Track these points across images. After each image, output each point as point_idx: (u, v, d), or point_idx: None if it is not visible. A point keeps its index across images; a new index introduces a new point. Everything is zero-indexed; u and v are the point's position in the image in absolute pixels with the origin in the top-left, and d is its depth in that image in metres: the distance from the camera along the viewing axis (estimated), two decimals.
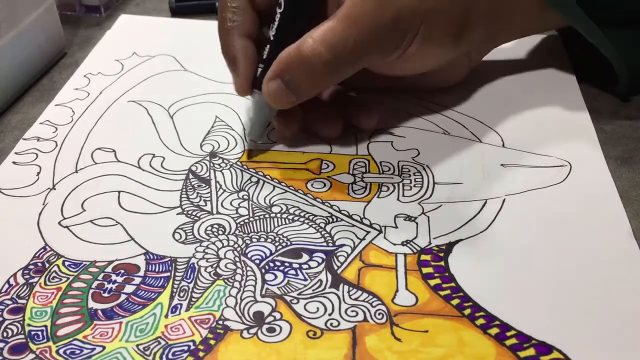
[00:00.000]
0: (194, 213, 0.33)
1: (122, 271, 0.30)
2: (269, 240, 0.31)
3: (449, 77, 0.40)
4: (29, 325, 0.28)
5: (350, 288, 0.29)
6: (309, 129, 0.37)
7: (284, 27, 0.33)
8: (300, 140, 0.38)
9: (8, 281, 0.29)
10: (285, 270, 0.30)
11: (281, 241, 0.31)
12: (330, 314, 0.28)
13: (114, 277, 0.30)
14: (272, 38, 0.34)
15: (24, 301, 0.29)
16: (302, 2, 0.33)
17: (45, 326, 0.27)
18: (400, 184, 0.34)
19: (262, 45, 0.35)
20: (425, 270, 0.30)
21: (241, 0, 0.34)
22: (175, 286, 0.29)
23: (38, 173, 0.36)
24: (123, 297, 0.29)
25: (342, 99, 0.39)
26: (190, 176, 0.35)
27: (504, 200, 0.33)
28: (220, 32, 0.35)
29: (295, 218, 0.33)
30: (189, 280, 0.29)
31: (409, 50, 0.33)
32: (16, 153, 0.37)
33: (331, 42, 0.31)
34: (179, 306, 0.28)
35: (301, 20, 0.33)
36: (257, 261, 0.30)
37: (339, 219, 0.32)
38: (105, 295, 0.29)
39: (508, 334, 0.27)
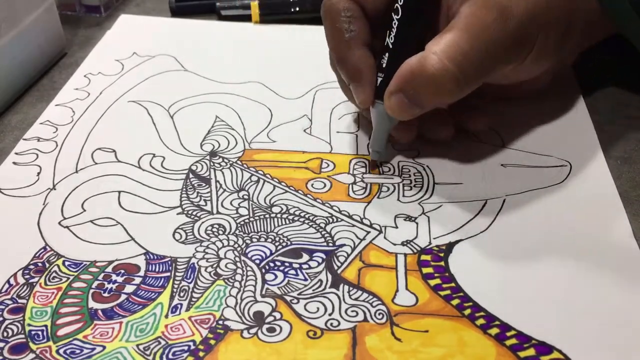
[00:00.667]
0: (194, 213, 0.33)
1: (123, 271, 0.30)
2: (269, 240, 0.31)
3: (540, 84, 0.38)
4: (29, 325, 0.28)
5: (351, 288, 0.29)
6: (423, 134, 0.36)
7: (402, 34, 0.32)
8: (301, 140, 0.38)
9: (8, 281, 0.29)
10: (286, 270, 0.30)
11: (281, 241, 0.31)
12: (330, 314, 0.28)
13: (114, 277, 0.30)
14: (390, 46, 0.32)
15: (24, 301, 0.29)
16: (420, 7, 0.32)
17: (46, 326, 0.27)
18: (401, 184, 0.34)
19: (377, 54, 0.33)
20: (425, 270, 0.30)
21: (355, 8, 0.33)
22: (176, 286, 0.29)
23: (38, 173, 0.36)
24: (123, 297, 0.29)
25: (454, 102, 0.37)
26: (191, 176, 0.35)
27: (504, 200, 0.33)
28: (336, 43, 0.34)
29: (296, 218, 0.33)
30: (189, 280, 0.29)
31: (529, 57, 0.32)
32: (16, 153, 0.37)
33: (456, 57, 0.30)
34: (179, 306, 0.28)
35: (419, 26, 0.33)
36: (257, 261, 0.30)
37: (339, 219, 0.32)
38: (106, 295, 0.29)
39: (508, 334, 0.27)
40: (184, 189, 0.35)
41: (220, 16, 0.52)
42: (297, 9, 0.50)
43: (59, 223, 0.32)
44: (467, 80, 0.31)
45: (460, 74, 0.30)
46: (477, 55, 0.30)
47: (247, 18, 0.51)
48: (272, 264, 0.30)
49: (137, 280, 0.29)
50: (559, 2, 0.33)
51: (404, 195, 0.34)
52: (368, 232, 0.32)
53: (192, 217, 0.33)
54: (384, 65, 0.33)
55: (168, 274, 0.30)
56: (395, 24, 0.32)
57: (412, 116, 0.32)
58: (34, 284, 0.29)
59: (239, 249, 0.31)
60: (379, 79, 0.33)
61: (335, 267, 0.30)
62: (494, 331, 0.27)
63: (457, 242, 0.31)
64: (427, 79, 0.30)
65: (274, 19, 0.51)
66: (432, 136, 0.36)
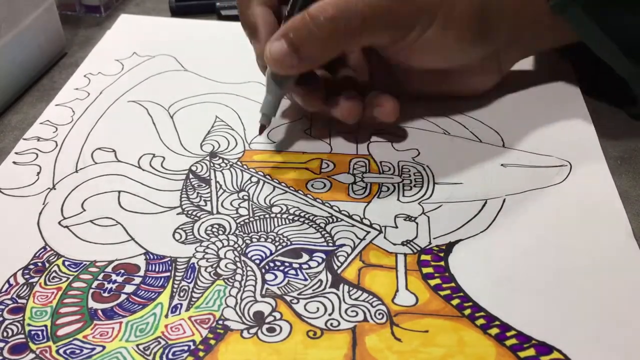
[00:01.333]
0: (194, 213, 0.33)
1: (122, 271, 0.30)
2: (269, 240, 0.31)
3: (478, 83, 0.39)
4: (29, 325, 0.28)
5: (351, 288, 0.29)
6: (328, 109, 0.36)
7: (299, 2, 0.33)
8: (301, 140, 0.38)
9: (8, 281, 0.29)
10: (286, 270, 0.30)
11: (281, 241, 0.31)
12: (330, 314, 0.28)
13: (114, 277, 0.30)
14: (286, 13, 0.33)
15: (24, 301, 0.29)
16: None
17: (45, 326, 0.27)
18: (401, 184, 0.34)
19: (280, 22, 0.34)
20: (425, 270, 0.30)
21: None
22: (176, 286, 0.29)
23: (38, 173, 0.36)
24: (123, 297, 0.29)
25: (366, 89, 0.37)
26: (191, 176, 0.35)
27: (504, 200, 0.33)
28: (239, 1, 0.35)
29: (296, 218, 0.33)
30: (189, 280, 0.29)
31: (426, 35, 0.32)
32: (16, 153, 0.37)
33: (339, 3, 0.31)
34: (179, 306, 0.28)
35: None
36: (257, 261, 0.30)
37: (339, 219, 0.32)
38: (105, 295, 0.29)
39: (508, 334, 0.27)
40: (184, 189, 0.35)
41: (220, 16, 0.52)
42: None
43: (59, 223, 0.32)
44: (346, 28, 0.31)
45: (340, 20, 0.31)
46: (358, 5, 0.31)
47: None
48: (272, 264, 0.30)
49: (137, 280, 0.29)
50: None
51: (404, 195, 0.34)
52: (368, 232, 0.32)
53: (192, 217, 0.33)
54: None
55: (168, 274, 0.30)
56: None
57: (290, 68, 0.32)
58: (34, 284, 0.29)
59: (239, 249, 0.31)
60: None
61: (335, 267, 0.30)
62: (494, 331, 0.27)
63: (457, 242, 0.31)
64: (305, 21, 0.31)
65: None
66: (336, 113, 0.36)
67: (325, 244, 0.31)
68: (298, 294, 0.29)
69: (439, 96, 0.39)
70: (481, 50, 0.35)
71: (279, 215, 0.33)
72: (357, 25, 0.31)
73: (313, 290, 0.29)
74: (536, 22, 0.36)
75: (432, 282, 0.29)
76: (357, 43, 0.33)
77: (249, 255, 0.30)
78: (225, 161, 0.36)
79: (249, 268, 0.30)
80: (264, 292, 0.29)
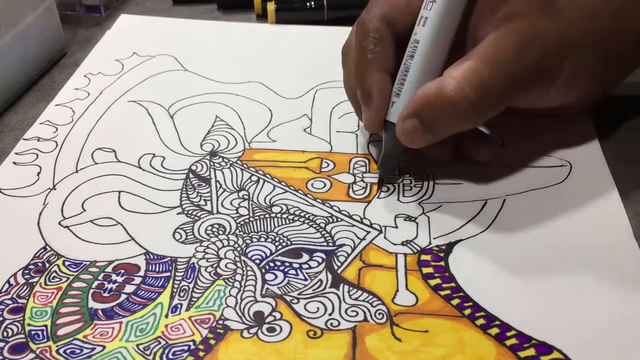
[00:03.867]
0: (194, 213, 0.33)
1: (123, 271, 0.30)
2: (269, 240, 0.31)
3: (582, 106, 0.37)
4: (29, 324, 0.28)
5: (351, 288, 0.29)
6: (423, 151, 0.34)
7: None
8: (301, 139, 0.38)
9: (8, 281, 0.29)
10: (286, 270, 0.30)
11: (281, 241, 0.31)
12: (330, 314, 0.28)
13: (114, 277, 0.30)
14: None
15: (24, 301, 0.29)
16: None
17: (46, 326, 0.27)
18: (401, 184, 0.34)
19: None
20: (425, 270, 0.30)
21: (384, 30, 0.32)
22: (176, 286, 0.29)
23: (38, 173, 0.36)
24: (123, 297, 0.29)
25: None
26: (191, 176, 0.35)
27: (504, 200, 0.33)
28: (358, 63, 0.32)
29: (296, 218, 0.33)
30: (189, 280, 0.29)
31: (555, 85, 0.31)
32: (16, 153, 0.37)
33: (476, 84, 0.29)
34: (179, 306, 0.28)
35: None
36: (258, 261, 0.30)
37: (339, 219, 0.32)
38: (106, 295, 0.29)
39: (508, 334, 0.27)
40: (184, 189, 0.35)
41: (220, 5, 0.52)
42: (313, 4, 0.50)
43: (59, 223, 0.32)
44: (485, 107, 0.30)
45: (479, 101, 0.29)
46: (496, 83, 0.29)
47: (247, 5, 0.52)
48: (272, 264, 0.30)
49: (137, 280, 0.29)
50: (600, 24, 0.31)
51: (404, 195, 0.34)
52: (368, 232, 0.32)
53: (192, 217, 0.33)
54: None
55: (168, 273, 0.30)
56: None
57: (424, 144, 0.31)
58: (34, 284, 0.29)
59: (239, 248, 0.31)
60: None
61: (335, 267, 0.30)
62: (494, 331, 0.27)
63: (457, 242, 0.31)
64: (443, 104, 0.29)
65: (289, 17, 0.50)
66: (428, 153, 0.35)
67: (325, 244, 0.31)
68: (298, 294, 0.29)
69: (536, 117, 0.37)
70: (603, 82, 0.34)
71: (279, 215, 0.33)
72: (495, 102, 0.30)
73: (313, 290, 0.29)
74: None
75: (432, 282, 0.29)
76: (494, 114, 0.31)
77: (249, 255, 0.30)
78: (225, 160, 0.36)
79: (249, 268, 0.30)
80: (264, 292, 0.29)
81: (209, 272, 0.30)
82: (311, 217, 0.32)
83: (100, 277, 0.30)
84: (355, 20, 0.34)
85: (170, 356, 0.26)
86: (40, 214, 0.33)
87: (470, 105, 0.29)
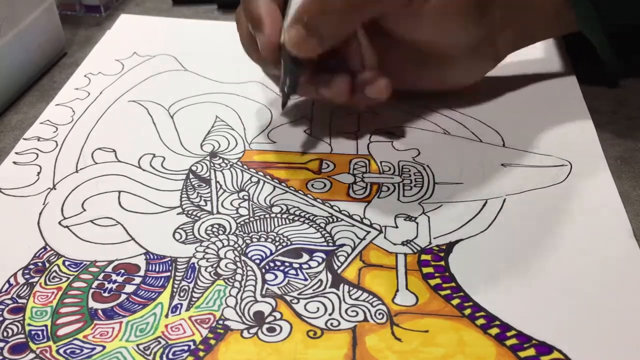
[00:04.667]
0: (194, 213, 0.33)
1: (123, 271, 0.30)
2: (269, 240, 0.31)
3: (474, 70, 0.38)
4: (29, 324, 0.28)
5: (351, 288, 0.29)
6: (318, 90, 0.36)
7: None
8: (301, 140, 0.38)
9: (8, 281, 0.29)
10: (286, 270, 0.30)
11: (281, 241, 0.31)
12: (330, 314, 0.28)
13: (114, 276, 0.30)
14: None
15: (24, 301, 0.29)
16: None
17: (46, 326, 0.27)
18: (401, 184, 0.34)
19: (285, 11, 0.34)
20: (425, 270, 0.30)
21: None
22: (176, 286, 0.29)
23: (38, 173, 0.36)
24: (123, 296, 0.29)
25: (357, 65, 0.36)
26: (191, 176, 0.35)
27: (504, 200, 0.33)
28: (245, 2, 0.34)
29: (296, 218, 0.33)
30: (189, 280, 0.29)
31: (428, 4, 0.32)
32: (16, 153, 0.37)
33: None
34: (179, 306, 0.28)
35: None
36: (258, 261, 0.30)
37: (339, 219, 0.32)
38: (106, 295, 0.29)
39: (508, 334, 0.27)
40: (184, 189, 0.35)
41: (220, 5, 0.52)
42: None
43: (59, 223, 0.32)
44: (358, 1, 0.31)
45: None
46: None
47: None
48: (272, 264, 0.30)
49: (137, 280, 0.29)
50: None
51: (404, 195, 0.34)
52: (368, 232, 0.32)
53: (192, 217, 0.33)
54: (288, 12, 0.33)
55: (168, 273, 0.30)
56: None
57: (311, 50, 0.32)
58: (34, 283, 0.29)
59: (239, 249, 0.31)
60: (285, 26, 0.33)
61: (336, 267, 0.30)
62: (494, 331, 0.27)
63: (457, 242, 0.31)
64: (319, 3, 0.31)
65: None
66: (326, 93, 0.35)
67: (325, 243, 0.31)
68: (298, 294, 0.29)
69: (435, 90, 0.39)
70: (478, 29, 0.35)
71: (279, 215, 0.33)
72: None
73: (313, 290, 0.29)
74: (534, 8, 0.36)
75: (432, 282, 0.29)
76: (369, 12, 0.33)
77: (249, 255, 0.30)
78: (225, 161, 0.36)
79: (249, 268, 0.30)
80: (264, 292, 0.29)
81: (209, 272, 0.30)
82: (311, 217, 0.32)
83: (100, 277, 0.30)
84: None
85: (170, 356, 0.26)
86: (40, 213, 0.33)
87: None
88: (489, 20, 0.35)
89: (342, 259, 0.30)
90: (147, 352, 0.26)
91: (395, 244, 0.31)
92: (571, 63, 0.44)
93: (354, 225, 0.32)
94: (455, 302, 0.28)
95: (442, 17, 0.34)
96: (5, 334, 0.27)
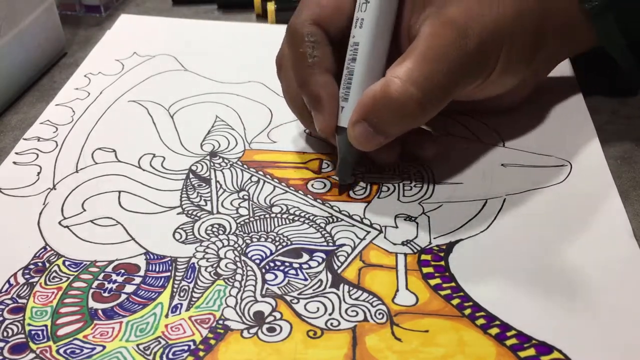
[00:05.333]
0: (194, 213, 0.33)
1: (123, 271, 0.30)
2: (269, 240, 0.31)
3: (516, 97, 0.38)
4: (29, 324, 0.28)
5: (351, 288, 0.29)
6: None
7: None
8: (301, 140, 0.38)
9: (8, 281, 0.29)
10: (286, 270, 0.30)
11: (281, 241, 0.31)
12: (330, 314, 0.28)
13: (114, 276, 0.30)
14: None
15: (24, 301, 0.29)
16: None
17: (46, 326, 0.27)
18: (401, 184, 0.34)
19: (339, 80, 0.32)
20: (425, 270, 0.30)
21: (319, 33, 0.32)
22: (176, 286, 0.29)
23: (38, 173, 0.36)
24: (123, 296, 0.29)
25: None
26: (191, 176, 0.35)
27: (504, 200, 0.33)
28: (299, 69, 0.32)
29: (296, 218, 0.33)
30: (189, 280, 0.29)
31: (492, 74, 0.32)
32: (16, 153, 0.37)
33: (419, 81, 0.29)
34: (179, 306, 0.28)
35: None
36: (258, 261, 0.30)
37: (339, 219, 0.32)
38: (106, 295, 0.29)
39: (508, 334, 0.27)
40: (184, 189, 0.35)
41: (220, 5, 0.52)
42: None
43: (59, 223, 0.33)
44: (431, 103, 0.30)
45: (424, 97, 0.29)
46: (438, 78, 0.29)
47: (247, 5, 0.52)
48: (272, 264, 0.30)
49: (137, 280, 0.29)
50: (527, 6, 0.31)
51: (404, 195, 0.34)
52: (368, 232, 0.32)
53: (192, 217, 0.33)
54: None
55: (168, 273, 0.30)
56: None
57: (376, 146, 0.31)
58: (34, 283, 0.29)
59: (239, 248, 0.31)
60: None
61: (336, 267, 0.30)
62: (494, 331, 0.27)
63: (457, 242, 0.31)
64: (390, 105, 0.29)
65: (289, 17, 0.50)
66: (375, 156, 0.35)
67: (325, 243, 0.31)
68: (298, 294, 0.29)
69: (473, 113, 0.39)
70: (528, 73, 0.35)
71: (279, 215, 0.33)
72: (439, 97, 0.30)
73: (313, 290, 0.29)
74: (567, 32, 0.35)
75: (432, 282, 0.29)
76: (440, 109, 0.31)
77: (249, 255, 0.30)
78: (225, 161, 0.36)
79: (249, 268, 0.30)
80: (264, 292, 0.29)
81: (209, 272, 0.30)
82: (311, 217, 0.32)
83: (100, 277, 0.30)
84: None
85: (170, 356, 0.26)
86: (40, 213, 0.33)
87: (416, 103, 0.29)
88: (538, 59, 0.34)
89: (342, 259, 0.30)
90: (147, 352, 0.26)
91: (395, 244, 0.31)
92: (571, 63, 0.43)
93: (354, 225, 0.32)
94: (455, 302, 0.28)
95: (503, 79, 0.33)
96: (5, 334, 0.27)
